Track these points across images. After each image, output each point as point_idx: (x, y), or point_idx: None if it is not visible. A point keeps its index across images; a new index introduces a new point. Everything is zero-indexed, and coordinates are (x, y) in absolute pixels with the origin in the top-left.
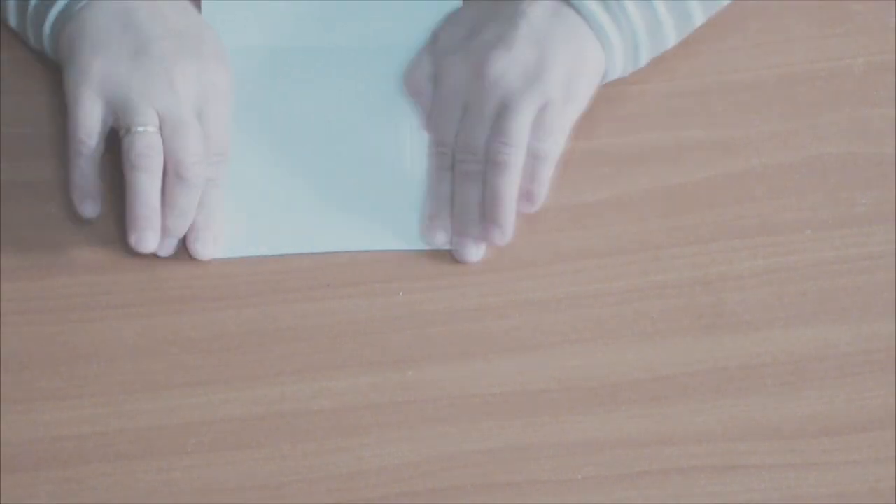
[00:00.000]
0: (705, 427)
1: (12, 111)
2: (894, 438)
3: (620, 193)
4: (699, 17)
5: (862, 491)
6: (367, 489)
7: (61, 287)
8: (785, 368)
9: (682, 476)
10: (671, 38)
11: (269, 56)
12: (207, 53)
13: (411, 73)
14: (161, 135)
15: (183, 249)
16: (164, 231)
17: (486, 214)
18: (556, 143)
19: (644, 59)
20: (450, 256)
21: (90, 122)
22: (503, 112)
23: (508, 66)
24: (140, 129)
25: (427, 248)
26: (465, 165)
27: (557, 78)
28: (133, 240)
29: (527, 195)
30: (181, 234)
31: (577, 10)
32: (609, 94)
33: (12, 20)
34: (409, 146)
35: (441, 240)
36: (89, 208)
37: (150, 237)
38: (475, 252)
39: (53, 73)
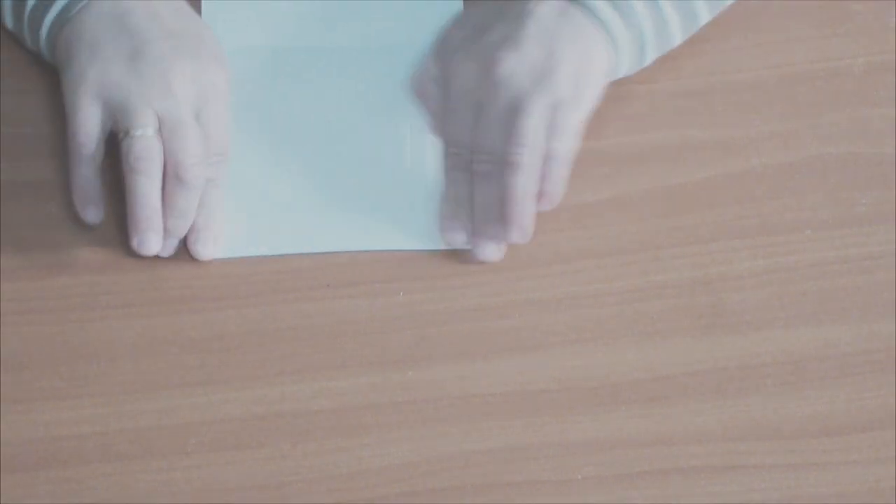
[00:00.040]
0: (705, 427)
1: (12, 111)
2: (894, 438)
3: (620, 193)
4: (705, 16)
5: (862, 491)
6: (367, 489)
7: (61, 287)
8: (785, 368)
9: (682, 476)
10: (677, 37)
11: (270, 56)
12: (205, 54)
13: (417, 77)
14: (160, 137)
15: (183, 249)
16: (166, 232)
17: (505, 215)
18: (568, 142)
19: (650, 57)
20: (450, 256)
21: (89, 126)
22: (515, 113)
23: (517, 65)
24: (138, 131)
25: (425, 248)
26: (481, 166)
27: (566, 77)
28: (135, 243)
29: (543, 194)
30: (182, 235)
31: (585, 9)
32: (608, 94)
33: (9, 22)
34: (409, 146)
35: (460, 240)
36: (92, 214)
37: (152, 239)
38: (496, 252)
39: (53, 73)
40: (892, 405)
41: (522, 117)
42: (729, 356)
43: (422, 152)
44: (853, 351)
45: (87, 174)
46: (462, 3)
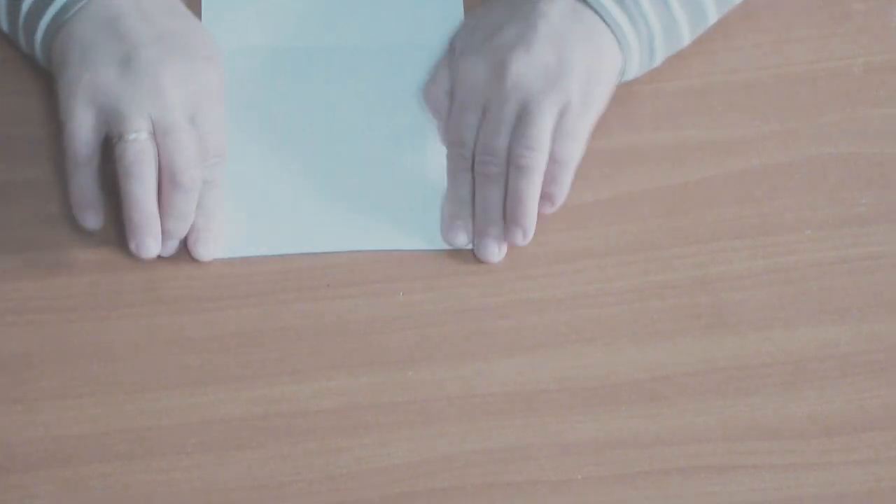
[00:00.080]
0: (705, 427)
1: (11, 111)
2: (894, 438)
3: (620, 193)
4: (713, 16)
5: (862, 491)
6: (367, 489)
7: (61, 287)
8: (785, 368)
9: (682, 476)
10: (686, 37)
11: (270, 56)
12: (197, 54)
13: (429, 87)
14: (154, 141)
15: (183, 250)
16: (165, 234)
17: (508, 216)
18: (577, 148)
19: (659, 58)
20: (450, 256)
21: (84, 133)
22: (524, 115)
23: (528, 66)
24: (132, 136)
25: (425, 248)
26: (486, 167)
27: (577, 79)
28: (133, 246)
29: (547, 197)
30: (181, 237)
31: (594, 9)
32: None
33: (4, 25)
34: (409, 146)
35: (462, 240)
36: (91, 220)
37: (150, 243)
38: (497, 252)
39: (49, 74)
40: (892, 405)
41: (532, 121)
42: (729, 356)
43: (422, 152)
44: (853, 351)
45: (84, 180)
46: (462, 3)
